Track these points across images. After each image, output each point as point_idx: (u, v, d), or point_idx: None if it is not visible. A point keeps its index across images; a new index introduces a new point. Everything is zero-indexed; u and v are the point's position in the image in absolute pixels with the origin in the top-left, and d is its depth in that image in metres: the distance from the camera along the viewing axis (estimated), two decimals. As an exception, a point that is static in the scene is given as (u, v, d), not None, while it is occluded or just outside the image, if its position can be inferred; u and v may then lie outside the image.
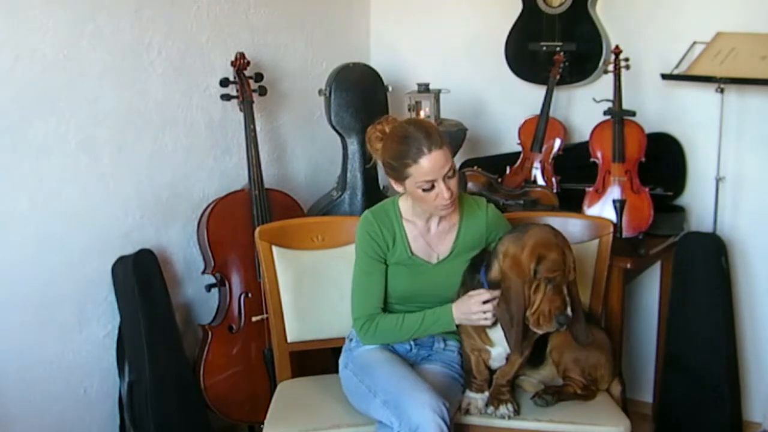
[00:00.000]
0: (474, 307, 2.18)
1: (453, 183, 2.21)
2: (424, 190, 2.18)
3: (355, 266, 2.37)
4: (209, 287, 2.93)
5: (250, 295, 2.89)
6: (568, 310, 2.08)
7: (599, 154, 2.92)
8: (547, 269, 2.07)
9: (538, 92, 3.13)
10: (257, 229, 2.56)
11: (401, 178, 2.21)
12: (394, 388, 2.15)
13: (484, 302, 2.16)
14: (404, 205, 2.35)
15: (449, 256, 2.34)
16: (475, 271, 2.25)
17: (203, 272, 2.90)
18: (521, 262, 2.10)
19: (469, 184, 3.00)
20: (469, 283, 2.26)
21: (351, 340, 2.42)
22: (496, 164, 3.17)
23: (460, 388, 2.34)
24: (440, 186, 2.17)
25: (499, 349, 2.26)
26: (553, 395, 2.31)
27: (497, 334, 2.22)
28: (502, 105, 3.44)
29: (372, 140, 2.31)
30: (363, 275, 2.34)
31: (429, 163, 2.15)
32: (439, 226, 2.34)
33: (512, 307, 2.11)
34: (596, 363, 2.37)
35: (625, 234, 2.80)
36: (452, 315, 2.24)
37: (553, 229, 2.17)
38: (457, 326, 2.29)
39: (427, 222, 2.34)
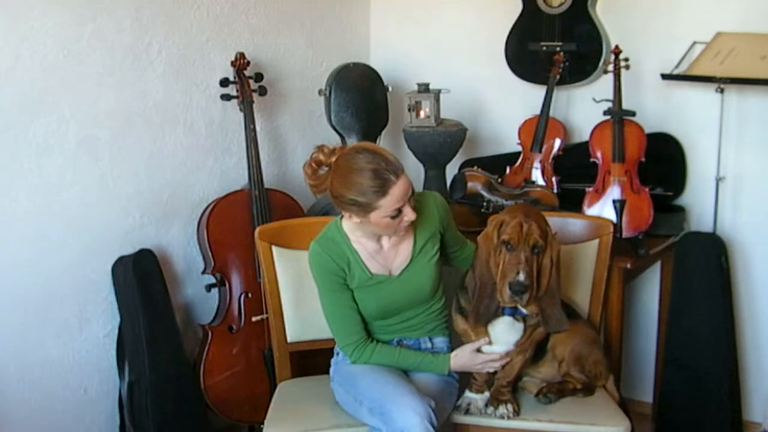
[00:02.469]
0: (478, 362, 2.26)
1: (413, 202, 2.16)
2: (392, 218, 2.12)
3: (320, 297, 2.31)
4: (209, 287, 2.92)
5: (250, 295, 2.89)
6: (520, 276, 2.07)
7: (599, 154, 2.91)
8: (505, 233, 2.12)
9: (538, 92, 3.13)
10: (257, 229, 2.55)
11: (367, 211, 2.11)
12: (378, 395, 2.14)
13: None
14: (348, 226, 2.27)
15: (411, 262, 2.29)
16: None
17: (203, 272, 2.90)
18: (488, 232, 2.19)
19: (469, 184, 3.00)
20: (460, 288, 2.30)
21: (338, 354, 2.40)
22: (496, 164, 3.16)
23: (454, 386, 2.34)
24: (406, 209, 2.14)
25: (496, 347, 2.25)
26: (555, 393, 2.33)
27: (496, 331, 2.23)
28: (502, 105, 3.44)
29: (310, 175, 2.17)
30: (333, 307, 2.29)
31: (400, 191, 2.09)
32: (391, 240, 2.29)
33: (476, 272, 2.19)
34: (596, 360, 2.39)
35: (625, 234, 2.80)
36: (449, 366, 2.28)
37: (527, 206, 2.28)
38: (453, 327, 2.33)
39: (378, 241, 2.28)
